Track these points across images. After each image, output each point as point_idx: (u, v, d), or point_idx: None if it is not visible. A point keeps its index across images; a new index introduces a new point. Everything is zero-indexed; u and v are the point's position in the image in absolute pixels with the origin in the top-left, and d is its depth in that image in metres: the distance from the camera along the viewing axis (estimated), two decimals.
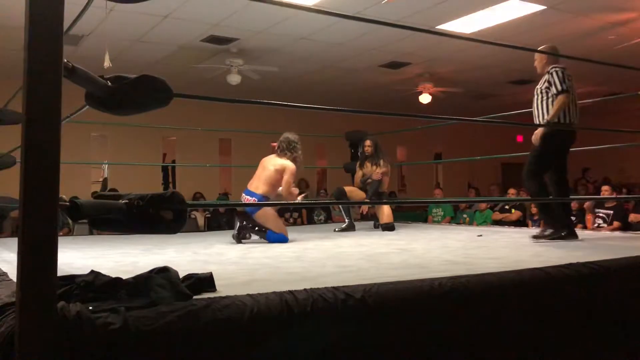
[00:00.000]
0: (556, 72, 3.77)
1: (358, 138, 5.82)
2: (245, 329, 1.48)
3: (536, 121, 3.93)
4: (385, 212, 5.23)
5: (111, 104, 1.47)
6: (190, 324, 1.42)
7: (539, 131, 3.79)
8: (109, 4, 5.00)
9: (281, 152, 4.29)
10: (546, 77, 3.84)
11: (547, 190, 3.84)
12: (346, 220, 5.35)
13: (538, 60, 4.04)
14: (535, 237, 3.78)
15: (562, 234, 3.71)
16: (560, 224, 3.77)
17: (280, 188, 4.22)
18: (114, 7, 5.60)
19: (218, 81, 8.40)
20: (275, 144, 4.53)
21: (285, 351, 1.53)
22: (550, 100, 3.79)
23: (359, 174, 5.48)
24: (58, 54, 1.24)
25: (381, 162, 5.35)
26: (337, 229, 5.27)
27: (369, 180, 5.34)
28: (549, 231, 3.75)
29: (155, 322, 1.37)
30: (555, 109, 3.71)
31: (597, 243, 3.47)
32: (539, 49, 3.94)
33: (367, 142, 5.49)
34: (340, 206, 5.71)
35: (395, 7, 5.95)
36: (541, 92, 3.88)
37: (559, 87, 3.71)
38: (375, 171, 5.34)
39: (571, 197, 9.18)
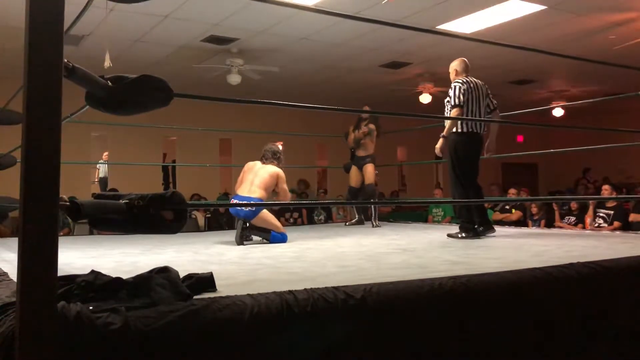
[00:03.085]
0: (454, 86, 4.13)
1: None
2: (246, 329, 1.48)
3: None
4: (369, 174, 5.71)
5: (111, 104, 1.47)
6: (190, 324, 1.42)
7: (438, 144, 4.16)
8: (109, 4, 5.00)
9: (266, 160, 4.33)
10: (449, 90, 4.20)
11: (469, 194, 4.19)
12: (356, 217, 5.92)
13: (450, 73, 4.38)
14: (450, 235, 4.12)
15: (471, 233, 4.05)
16: (472, 226, 4.09)
17: (285, 187, 4.31)
18: (114, 7, 5.61)
19: (218, 81, 8.41)
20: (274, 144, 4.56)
21: (286, 351, 1.53)
22: (450, 112, 4.15)
23: (351, 136, 5.88)
24: (58, 54, 1.24)
25: (371, 125, 5.76)
26: (347, 223, 5.99)
27: (363, 141, 5.75)
28: (463, 234, 4.07)
29: (155, 322, 1.37)
30: (450, 121, 4.11)
31: (597, 243, 3.47)
32: (452, 63, 4.35)
33: (366, 108, 5.78)
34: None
35: (395, 7, 5.95)
36: (446, 104, 4.24)
37: (453, 102, 4.09)
38: (364, 131, 5.74)
39: (569, 197, 9.22)
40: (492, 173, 13.07)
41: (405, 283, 1.85)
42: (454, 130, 4.12)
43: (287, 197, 4.46)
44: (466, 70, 4.28)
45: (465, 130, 4.10)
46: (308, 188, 11.05)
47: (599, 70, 8.64)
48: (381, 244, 3.79)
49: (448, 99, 4.17)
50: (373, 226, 5.53)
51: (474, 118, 4.10)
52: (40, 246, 1.20)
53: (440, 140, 4.13)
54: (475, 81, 4.18)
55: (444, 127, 4.28)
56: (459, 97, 4.06)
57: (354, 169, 5.86)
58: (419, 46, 7.58)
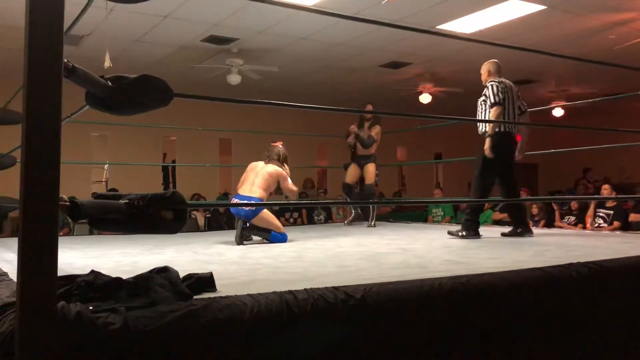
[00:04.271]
0: (491, 86, 4.09)
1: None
2: (245, 329, 1.48)
3: (480, 131, 4.20)
4: (369, 174, 5.70)
5: (111, 104, 1.47)
6: (190, 324, 1.42)
7: (487, 145, 4.02)
8: (109, 4, 5.00)
9: (270, 160, 4.32)
10: (484, 90, 4.15)
11: (486, 194, 4.18)
12: (352, 212, 5.95)
13: (482, 73, 4.34)
14: (450, 232, 4.11)
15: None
16: (474, 225, 4.05)
17: (288, 185, 4.30)
18: (114, 7, 5.60)
19: (218, 81, 8.41)
20: (275, 143, 4.54)
21: (286, 351, 1.53)
22: (487, 112, 4.09)
23: (350, 136, 5.87)
24: (58, 54, 1.24)
25: (378, 127, 5.71)
26: (346, 222, 5.94)
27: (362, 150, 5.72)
28: (464, 232, 4.05)
29: (155, 322, 1.37)
30: (492, 118, 4.00)
31: (597, 243, 3.47)
32: (484, 64, 4.32)
33: (369, 107, 5.77)
34: (347, 199, 6.14)
35: (395, 7, 5.95)
36: (480, 105, 4.19)
37: (492, 100, 4.03)
38: (369, 133, 5.70)
39: (569, 197, 9.22)
40: None
41: (405, 283, 1.85)
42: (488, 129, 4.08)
43: (294, 195, 4.41)
44: (498, 71, 4.27)
45: (502, 130, 4.06)
46: (314, 187, 11.06)
47: (599, 70, 8.63)
48: (381, 244, 3.79)
49: (484, 98, 4.13)
50: (368, 226, 5.53)
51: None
52: (40, 246, 1.20)
53: (488, 140, 4.02)
54: (509, 82, 4.17)
55: (468, 125, 4.24)
56: (497, 95, 4.03)
57: (353, 166, 5.85)
58: (419, 46, 7.58)
